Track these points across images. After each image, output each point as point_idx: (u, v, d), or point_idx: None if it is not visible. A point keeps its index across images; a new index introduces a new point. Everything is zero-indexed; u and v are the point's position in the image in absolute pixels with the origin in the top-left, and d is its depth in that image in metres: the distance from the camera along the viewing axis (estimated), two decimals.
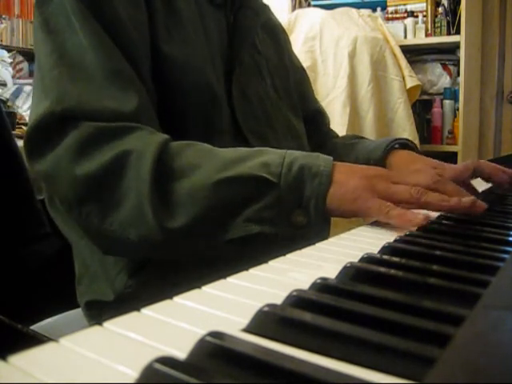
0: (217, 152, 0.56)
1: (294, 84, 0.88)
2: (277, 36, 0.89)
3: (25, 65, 3.10)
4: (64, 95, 0.56)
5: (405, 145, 0.83)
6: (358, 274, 0.34)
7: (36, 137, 0.56)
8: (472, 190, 0.74)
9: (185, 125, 0.65)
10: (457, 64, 2.29)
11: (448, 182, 0.56)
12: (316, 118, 0.97)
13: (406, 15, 2.36)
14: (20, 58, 3.08)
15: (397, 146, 0.82)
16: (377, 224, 0.53)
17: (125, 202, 0.53)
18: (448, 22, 2.26)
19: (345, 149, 0.89)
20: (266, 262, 0.37)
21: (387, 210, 0.50)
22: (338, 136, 1.03)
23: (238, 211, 0.53)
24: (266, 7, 0.84)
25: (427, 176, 0.55)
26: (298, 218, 0.53)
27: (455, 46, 2.23)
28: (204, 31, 0.70)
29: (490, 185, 0.88)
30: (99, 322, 0.25)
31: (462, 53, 2.16)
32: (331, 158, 0.55)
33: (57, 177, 0.55)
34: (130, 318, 0.26)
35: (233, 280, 0.33)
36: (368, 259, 0.37)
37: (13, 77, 2.82)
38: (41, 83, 0.58)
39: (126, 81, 0.58)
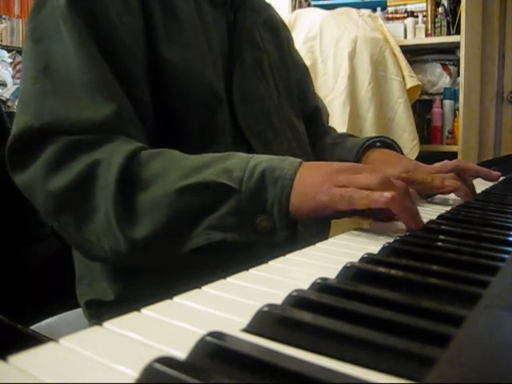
0: (184, 160, 0.55)
1: (294, 82, 0.88)
2: (278, 33, 0.89)
3: None
4: (42, 110, 0.56)
5: (384, 142, 0.84)
6: (358, 274, 0.34)
7: (15, 151, 0.57)
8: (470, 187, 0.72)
9: (185, 127, 0.65)
10: (457, 64, 2.29)
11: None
12: (314, 115, 0.97)
13: (405, 15, 2.35)
14: (20, 58, 3.08)
15: (378, 144, 0.83)
16: (377, 224, 0.53)
17: (97, 212, 0.54)
18: (448, 22, 2.26)
19: (330, 148, 0.90)
20: (265, 262, 0.37)
21: (349, 194, 0.47)
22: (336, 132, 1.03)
23: (200, 219, 0.52)
24: (267, 6, 0.84)
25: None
26: (262, 223, 0.51)
27: (455, 46, 2.23)
28: (204, 31, 0.69)
29: (490, 184, 0.88)
30: (99, 322, 0.25)
31: (462, 53, 2.16)
32: (300, 160, 0.53)
33: (34, 190, 0.56)
34: (130, 318, 0.26)
35: (233, 280, 0.33)
36: (368, 259, 0.37)
37: (13, 77, 2.82)
38: (23, 96, 0.59)
39: (106, 91, 0.57)
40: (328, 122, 1.02)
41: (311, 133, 0.90)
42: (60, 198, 0.55)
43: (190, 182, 0.52)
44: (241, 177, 0.51)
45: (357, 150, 0.81)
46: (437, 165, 0.74)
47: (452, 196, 0.73)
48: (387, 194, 0.46)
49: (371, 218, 0.54)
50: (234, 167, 0.52)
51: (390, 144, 0.85)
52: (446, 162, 0.75)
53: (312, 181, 0.50)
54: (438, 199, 0.73)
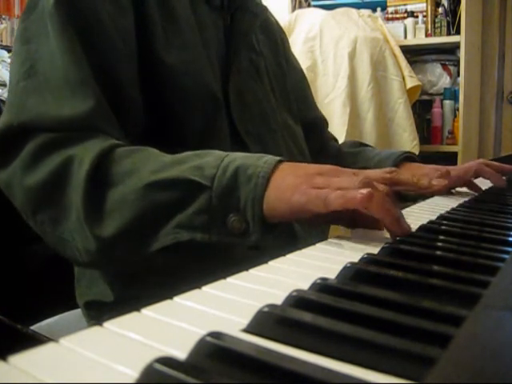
0: (160, 157, 0.53)
1: (290, 85, 0.88)
2: (273, 36, 0.89)
3: None
4: (23, 109, 0.56)
5: (409, 157, 0.86)
6: (358, 274, 0.34)
7: None
8: (476, 188, 0.80)
9: (183, 128, 0.65)
10: (457, 64, 2.29)
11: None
12: (317, 125, 0.98)
13: (405, 15, 2.36)
14: None
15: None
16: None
17: (70, 209, 0.52)
18: (448, 22, 2.26)
19: (352, 157, 0.92)
20: (265, 262, 0.37)
21: (324, 195, 0.44)
22: (335, 138, 1.03)
23: (169, 217, 0.50)
24: (264, 8, 0.84)
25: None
26: (234, 224, 0.48)
27: (455, 46, 2.23)
28: (201, 33, 0.69)
29: (490, 184, 0.88)
30: (99, 322, 0.25)
31: (462, 53, 2.16)
32: (278, 158, 0.50)
33: (13, 188, 0.56)
34: (130, 318, 0.26)
35: (233, 280, 0.33)
36: (368, 259, 0.37)
37: None
38: (8, 96, 0.59)
39: (88, 89, 0.56)
40: (327, 129, 1.03)
41: (314, 141, 0.91)
42: (36, 196, 0.54)
43: (160, 177, 0.50)
44: (213, 174, 0.49)
45: (391, 163, 0.83)
46: (462, 168, 0.79)
47: (452, 196, 0.73)
48: (363, 191, 0.43)
49: (354, 226, 0.51)
50: (207, 164, 0.50)
51: (415, 159, 0.87)
52: (471, 163, 0.79)
53: (288, 182, 0.47)
54: (438, 199, 0.73)
